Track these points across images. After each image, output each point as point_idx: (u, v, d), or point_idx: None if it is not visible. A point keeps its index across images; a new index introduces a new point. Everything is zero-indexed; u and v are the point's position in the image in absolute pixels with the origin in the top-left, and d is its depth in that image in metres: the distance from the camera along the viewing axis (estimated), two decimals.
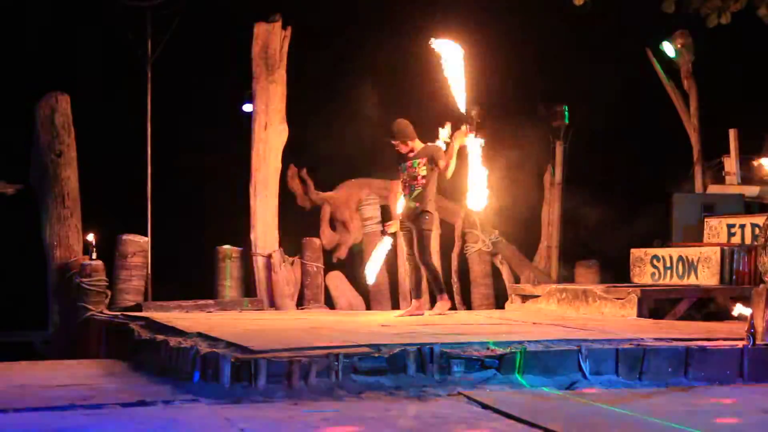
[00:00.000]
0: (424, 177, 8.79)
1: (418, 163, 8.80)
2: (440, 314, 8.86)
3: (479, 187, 8.83)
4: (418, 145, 8.90)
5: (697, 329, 7.43)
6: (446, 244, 11.99)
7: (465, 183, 8.94)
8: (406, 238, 9.06)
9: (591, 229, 12.97)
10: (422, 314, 8.96)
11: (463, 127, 8.73)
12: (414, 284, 9.12)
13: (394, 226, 9.28)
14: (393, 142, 8.86)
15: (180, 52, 11.92)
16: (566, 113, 12.64)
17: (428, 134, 9.10)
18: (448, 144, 8.84)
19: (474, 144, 8.75)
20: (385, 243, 9.53)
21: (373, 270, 9.65)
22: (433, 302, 9.57)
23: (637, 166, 14.08)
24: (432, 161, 8.79)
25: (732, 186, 12.70)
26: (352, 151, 11.98)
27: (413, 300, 9.17)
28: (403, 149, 8.88)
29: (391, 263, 11.75)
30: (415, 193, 8.81)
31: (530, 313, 9.72)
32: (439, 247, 11.94)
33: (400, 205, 9.11)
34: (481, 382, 5.80)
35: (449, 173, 8.83)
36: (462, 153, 8.80)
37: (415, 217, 8.80)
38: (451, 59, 8.75)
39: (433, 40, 8.79)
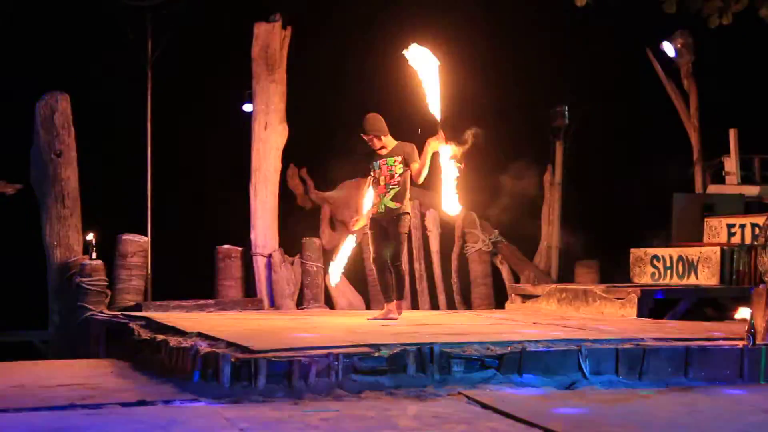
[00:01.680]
0: (401, 176, 8.37)
1: (394, 161, 8.39)
2: (386, 319, 8.22)
3: (452, 192, 8.39)
4: (390, 141, 8.50)
5: (697, 329, 7.43)
6: (446, 244, 11.99)
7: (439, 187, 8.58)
8: (377, 237, 8.53)
9: (591, 229, 12.98)
10: (396, 318, 8.37)
11: (439, 134, 8.25)
12: (383, 287, 8.54)
13: (361, 222, 8.74)
14: (365, 137, 8.45)
15: (180, 52, 11.93)
16: (566, 113, 12.64)
17: (407, 135, 8.87)
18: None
19: (448, 151, 8.28)
20: (350, 241, 9.14)
21: (337, 270, 9.16)
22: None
23: (637, 166, 14.10)
24: (407, 160, 8.38)
25: (732, 186, 12.71)
26: (351, 151, 11.99)
27: (386, 304, 8.55)
28: (376, 144, 8.43)
29: None
30: (393, 192, 8.38)
31: (530, 313, 9.71)
32: (439, 247, 11.95)
33: (369, 201, 8.63)
34: (481, 382, 5.80)
35: (421, 178, 8.37)
36: (435, 159, 8.40)
37: (393, 219, 8.38)
38: (427, 69, 8.31)
39: (406, 51, 8.33)
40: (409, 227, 8.73)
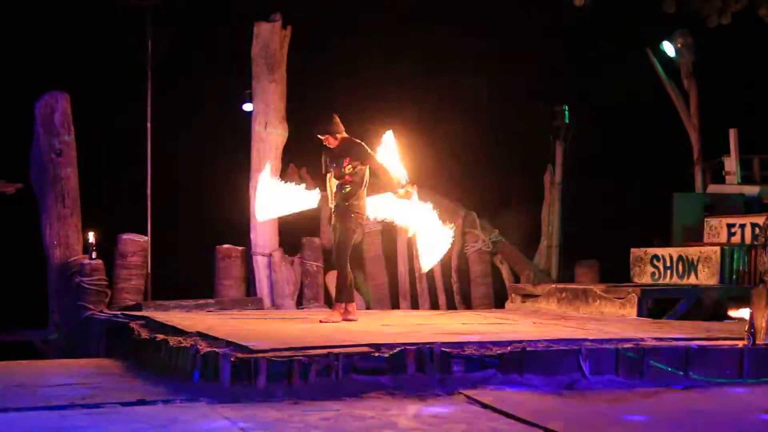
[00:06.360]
0: (350, 175, 8.22)
1: (343, 162, 8.23)
2: (327, 322, 7.97)
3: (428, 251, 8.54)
4: (342, 139, 8.32)
5: (697, 329, 7.43)
6: None
7: None
8: (334, 237, 8.43)
9: (591, 229, 12.97)
10: (356, 319, 8.19)
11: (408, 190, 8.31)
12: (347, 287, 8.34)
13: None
14: (321, 137, 8.31)
15: (180, 51, 11.93)
16: (566, 113, 12.64)
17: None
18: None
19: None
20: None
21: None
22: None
23: (637, 166, 14.10)
24: (356, 159, 8.22)
25: (732, 186, 12.71)
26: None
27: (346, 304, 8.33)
28: (332, 143, 8.28)
29: (391, 263, 11.75)
30: (345, 191, 8.24)
31: (530, 313, 9.72)
32: None
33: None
34: (481, 382, 5.80)
35: (393, 184, 8.29)
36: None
37: (342, 215, 8.24)
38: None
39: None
40: (359, 225, 8.44)
